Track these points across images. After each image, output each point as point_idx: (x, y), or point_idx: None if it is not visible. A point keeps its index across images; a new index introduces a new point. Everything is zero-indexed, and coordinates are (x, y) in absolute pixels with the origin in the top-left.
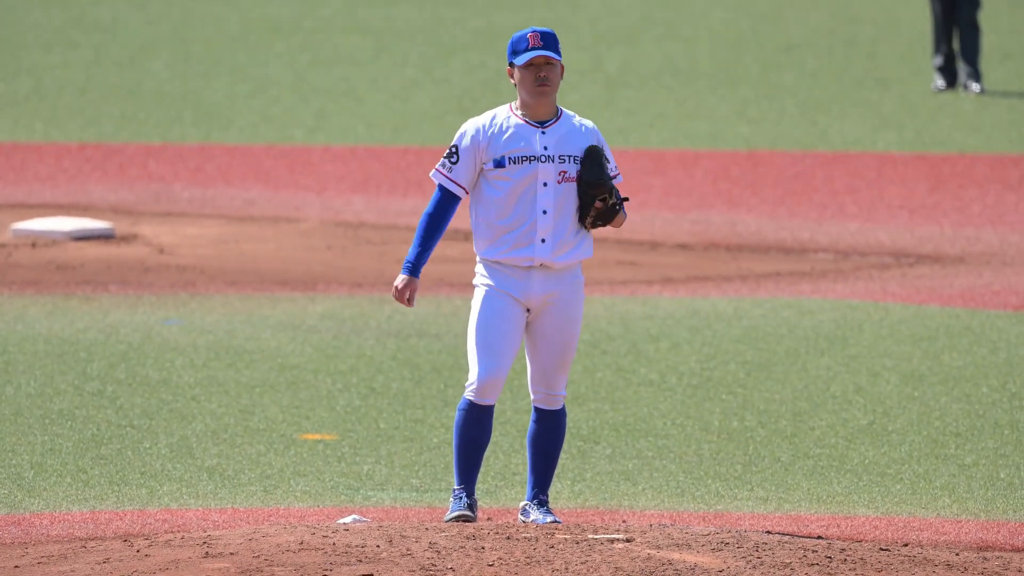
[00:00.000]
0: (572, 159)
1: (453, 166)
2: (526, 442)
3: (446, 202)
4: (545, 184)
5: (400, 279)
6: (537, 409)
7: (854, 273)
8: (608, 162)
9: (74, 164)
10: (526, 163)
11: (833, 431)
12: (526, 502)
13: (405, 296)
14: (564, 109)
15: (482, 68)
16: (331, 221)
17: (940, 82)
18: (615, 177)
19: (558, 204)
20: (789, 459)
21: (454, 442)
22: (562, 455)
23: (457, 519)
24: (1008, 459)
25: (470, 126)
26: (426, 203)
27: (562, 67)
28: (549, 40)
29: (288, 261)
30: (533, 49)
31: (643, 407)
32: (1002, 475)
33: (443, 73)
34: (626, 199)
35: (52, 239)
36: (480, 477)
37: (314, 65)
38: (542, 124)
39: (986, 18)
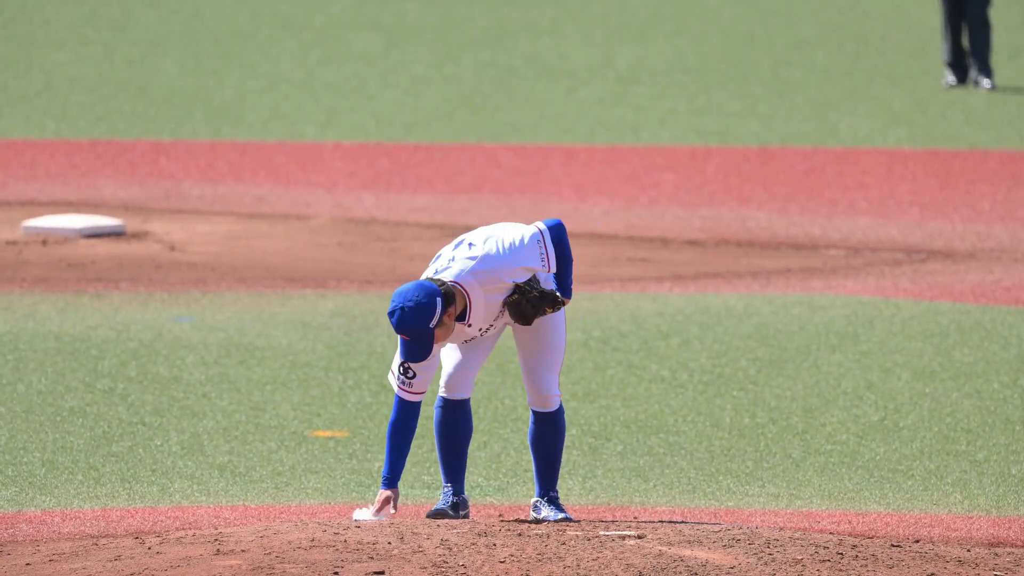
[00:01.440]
0: (500, 314)
1: (412, 378)
2: (528, 443)
3: (406, 409)
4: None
5: (381, 494)
6: (534, 412)
7: (865, 269)
8: (534, 286)
9: (85, 161)
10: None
11: (844, 427)
12: (536, 499)
13: (388, 509)
14: (467, 283)
15: (492, 65)
16: (342, 218)
17: (951, 78)
18: (548, 266)
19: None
20: (800, 455)
21: (436, 440)
22: (573, 452)
23: (434, 516)
24: (1019, 455)
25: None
26: (437, 200)
27: (449, 314)
28: (413, 332)
29: (299, 258)
30: (403, 343)
31: (654, 404)
32: (1013, 471)
33: (454, 70)
34: (568, 283)
35: (63, 236)
36: (492, 474)
37: (325, 62)
38: (462, 320)
39: (996, 14)
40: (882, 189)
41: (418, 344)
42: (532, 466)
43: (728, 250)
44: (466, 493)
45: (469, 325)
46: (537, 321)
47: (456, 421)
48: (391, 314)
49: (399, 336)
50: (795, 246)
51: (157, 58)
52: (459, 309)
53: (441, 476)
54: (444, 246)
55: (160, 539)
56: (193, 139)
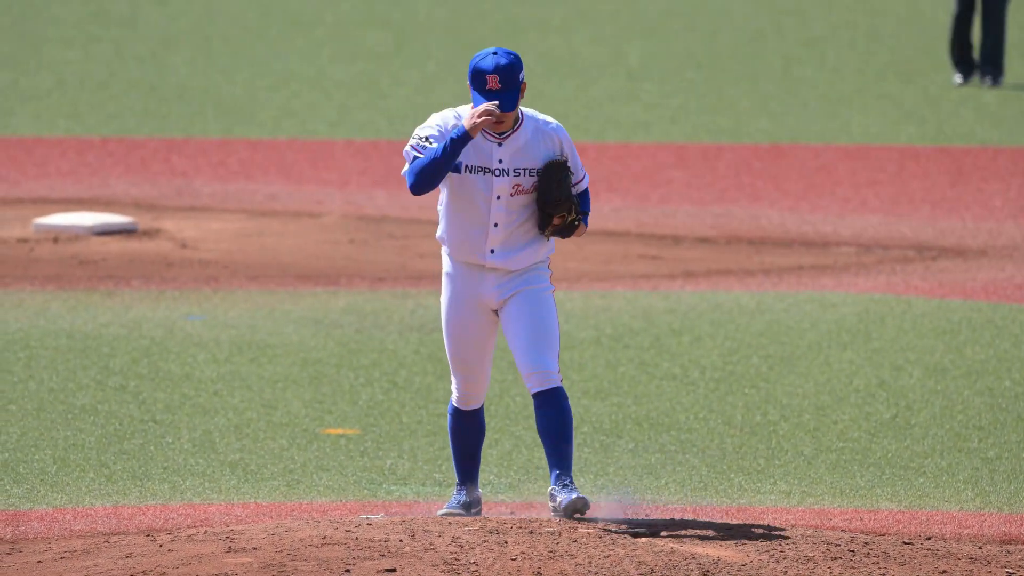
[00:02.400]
0: (527, 172)
1: (428, 147)
2: (537, 433)
3: (464, 418)
4: (499, 197)
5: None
6: (535, 395)
7: (876, 267)
8: (570, 175)
9: (96, 159)
10: (480, 174)
11: (856, 425)
12: (552, 487)
13: (490, 111)
14: (527, 112)
15: None
16: (353, 215)
17: (958, 78)
18: (580, 182)
19: (510, 218)
20: (812, 453)
21: (451, 443)
22: (585, 449)
23: (446, 515)
24: None
25: (435, 120)
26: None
27: (523, 86)
28: (508, 79)
29: (310, 255)
30: (492, 92)
31: (665, 401)
32: None
33: (464, 67)
34: (586, 212)
35: (74, 234)
36: (503, 471)
37: (335, 59)
38: (500, 135)
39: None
40: (893, 186)
41: (503, 94)
42: (545, 458)
43: (739, 247)
44: (480, 490)
45: (501, 144)
46: (527, 302)
47: (472, 427)
48: (481, 58)
49: (475, 91)
50: (806, 243)
51: (167, 56)
52: (515, 116)
53: (456, 476)
54: None
55: (171, 536)
56: (204, 137)
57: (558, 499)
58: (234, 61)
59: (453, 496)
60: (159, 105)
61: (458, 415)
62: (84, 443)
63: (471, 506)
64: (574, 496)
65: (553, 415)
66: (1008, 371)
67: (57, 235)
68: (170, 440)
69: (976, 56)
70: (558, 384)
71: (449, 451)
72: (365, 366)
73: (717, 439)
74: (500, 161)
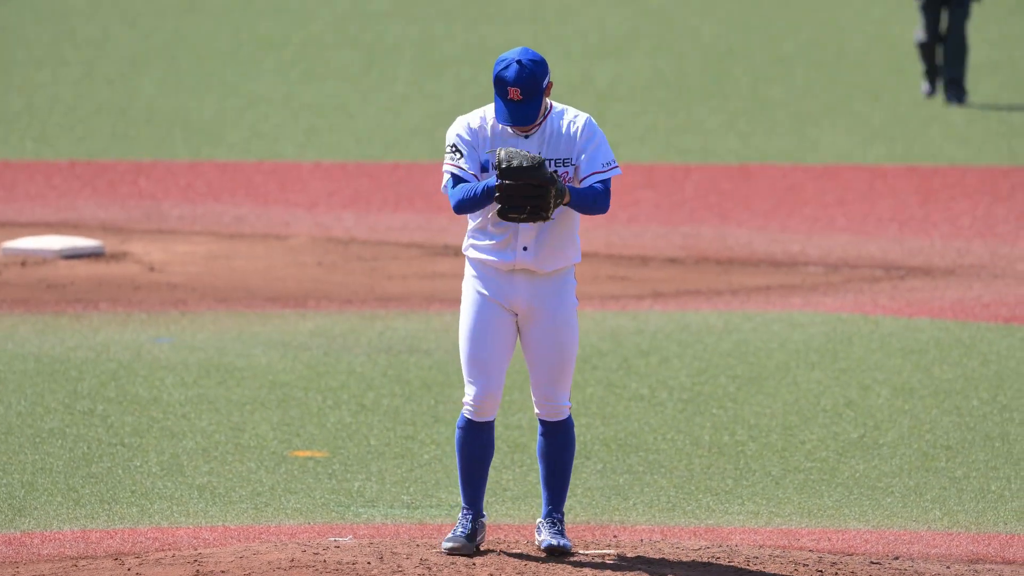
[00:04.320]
0: (554, 162)
1: (462, 157)
2: (537, 456)
3: (474, 432)
4: None
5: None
6: (542, 422)
7: (844, 286)
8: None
9: (64, 182)
10: None
11: (824, 445)
12: (540, 519)
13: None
14: (556, 105)
15: (473, 83)
16: (322, 237)
17: (925, 86)
18: (605, 171)
19: None
20: (780, 473)
21: (458, 461)
22: None
23: (449, 552)
24: (999, 471)
25: (462, 124)
26: (417, 219)
27: (550, 84)
28: (529, 89)
29: (278, 278)
30: (512, 103)
31: (633, 422)
32: (993, 487)
33: (434, 88)
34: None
35: (42, 257)
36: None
37: (304, 81)
38: (526, 130)
39: (976, 30)
40: (862, 206)
41: (525, 106)
42: (532, 482)
43: (708, 268)
44: (485, 515)
45: (527, 137)
46: (550, 328)
47: (483, 442)
48: (504, 67)
49: (498, 97)
50: (775, 263)
51: (136, 78)
52: (546, 107)
53: (461, 497)
54: (424, 264)
55: (140, 560)
56: (172, 159)
57: (542, 535)
58: (202, 83)
59: (458, 523)
60: (127, 128)
61: (469, 428)
62: (52, 467)
63: (475, 535)
64: (559, 543)
65: (558, 446)
66: (976, 390)
67: (25, 259)
68: (138, 463)
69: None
70: (567, 415)
71: (419, 474)
72: (333, 388)
73: (685, 460)
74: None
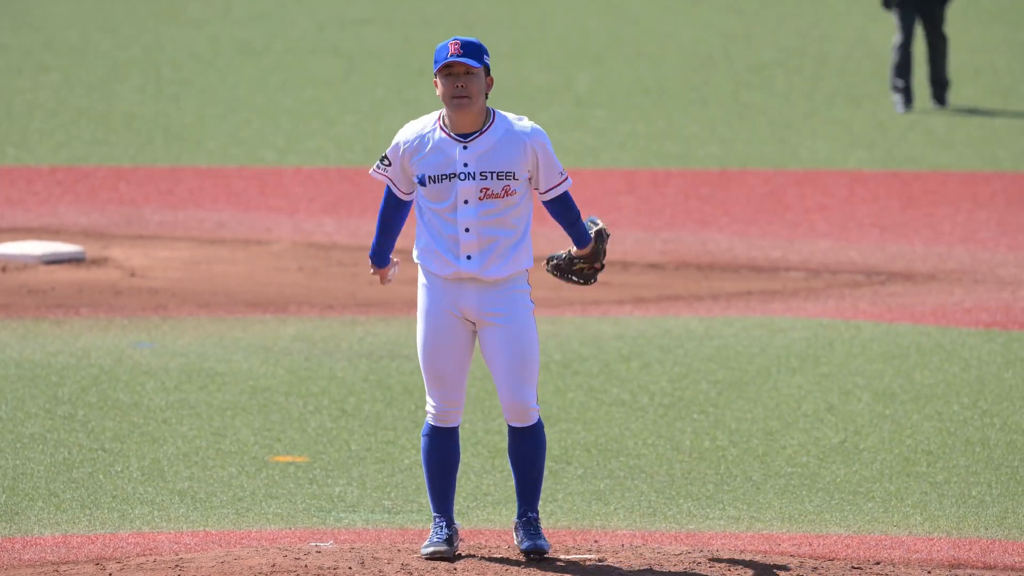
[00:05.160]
0: (496, 175)
1: (387, 168)
2: (508, 461)
3: (392, 200)
4: (466, 201)
5: (371, 269)
6: (511, 428)
7: (825, 291)
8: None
9: (45, 188)
10: (445, 181)
11: (805, 450)
12: (516, 520)
13: (384, 281)
14: (501, 114)
15: None
16: (302, 243)
17: (900, 107)
18: (558, 185)
19: (482, 222)
20: (761, 478)
21: (424, 468)
22: None
23: (431, 556)
24: (979, 476)
25: (399, 137)
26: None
27: (490, 79)
28: (471, 49)
29: (259, 283)
30: (452, 56)
31: (614, 427)
32: (973, 492)
33: (413, 94)
34: (578, 218)
35: (23, 263)
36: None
37: (284, 87)
38: (465, 137)
39: (956, 35)
40: (843, 211)
41: (465, 58)
42: (509, 486)
43: (688, 273)
44: (457, 522)
45: (466, 147)
46: (507, 336)
47: (448, 448)
48: (443, 47)
49: (438, 73)
50: (755, 268)
51: (116, 84)
52: (483, 113)
53: (431, 505)
54: (404, 270)
55: (121, 565)
56: (153, 165)
57: (520, 536)
58: (182, 89)
59: (432, 531)
60: (108, 133)
61: (433, 435)
62: (33, 472)
63: (452, 540)
64: (536, 544)
65: (528, 449)
66: (956, 395)
67: (5, 264)
68: (119, 469)
69: (921, 81)
70: (536, 419)
71: (399, 479)
72: (314, 393)
73: (666, 465)
74: (465, 164)
